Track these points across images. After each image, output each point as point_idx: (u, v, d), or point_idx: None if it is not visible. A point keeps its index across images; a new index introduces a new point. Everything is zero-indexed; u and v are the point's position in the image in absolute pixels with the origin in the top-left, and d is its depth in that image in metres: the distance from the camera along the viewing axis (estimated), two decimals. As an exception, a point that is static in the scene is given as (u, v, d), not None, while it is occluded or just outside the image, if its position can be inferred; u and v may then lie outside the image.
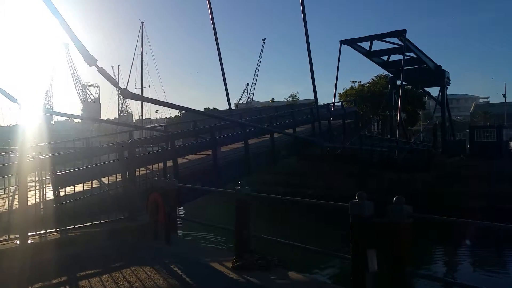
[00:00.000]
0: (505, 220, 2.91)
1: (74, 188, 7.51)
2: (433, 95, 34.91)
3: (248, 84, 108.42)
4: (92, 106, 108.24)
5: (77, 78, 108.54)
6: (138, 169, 9.08)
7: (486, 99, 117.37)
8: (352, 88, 43.30)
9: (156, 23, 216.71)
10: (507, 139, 31.19)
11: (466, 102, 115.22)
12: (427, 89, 36.67)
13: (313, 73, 15.46)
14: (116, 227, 7.12)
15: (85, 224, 6.76)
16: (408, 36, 26.30)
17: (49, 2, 5.86)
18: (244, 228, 5.74)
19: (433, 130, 38.68)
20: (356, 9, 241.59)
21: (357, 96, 41.16)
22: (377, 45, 30.47)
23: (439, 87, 32.61)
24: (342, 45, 28.76)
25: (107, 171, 7.88)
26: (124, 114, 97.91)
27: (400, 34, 26.37)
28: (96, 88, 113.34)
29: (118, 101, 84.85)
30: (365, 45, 29.82)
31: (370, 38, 28.88)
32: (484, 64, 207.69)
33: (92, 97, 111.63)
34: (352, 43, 29.22)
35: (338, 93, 45.04)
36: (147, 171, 10.07)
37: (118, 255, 6.33)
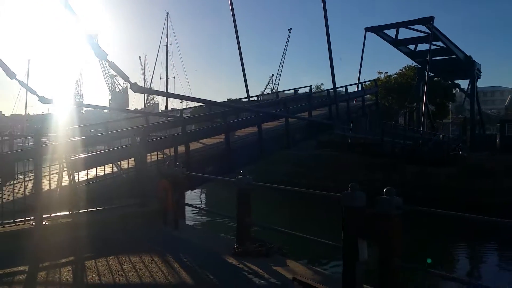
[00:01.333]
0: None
1: (96, 172, 7.85)
2: (464, 87, 33.94)
3: (273, 75, 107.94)
4: (120, 96, 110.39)
5: (106, 69, 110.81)
6: (156, 153, 9.33)
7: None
8: (378, 79, 42.42)
9: (181, 14, 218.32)
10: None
11: (501, 95, 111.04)
12: (458, 81, 35.72)
13: (330, 52, 15.07)
14: (127, 212, 7.38)
15: (97, 208, 7.04)
16: (439, 25, 25.70)
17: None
18: (245, 216, 5.86)
19: (462, 124, 37.67)
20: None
21: (382, 88, 40.40)
22: (404, 34, 29.78)
23: (469, 79, 31.66)
24: (367, 32, 28.24)
25: (120, 155, 8.14)
26: (151, 104, 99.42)
27: (428, 21, 25.59)
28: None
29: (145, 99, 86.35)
30: (391, 33, 29.15)
31: (396, 26, 28.23)
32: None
33: (120, 87, 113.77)
34: (378, 30, 28.64)
35: (364, 84, 44.35)
36: (164, 156, 10.34)
37: (126, 238, 6.60)
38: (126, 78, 7.11)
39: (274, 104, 17.09)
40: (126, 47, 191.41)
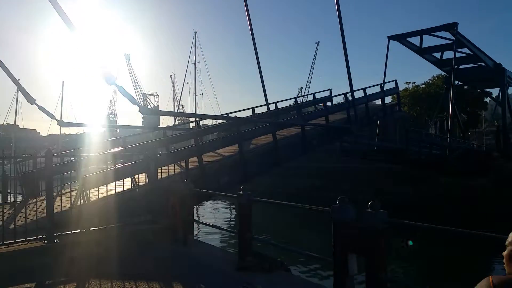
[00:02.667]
0: None
1: (115, 188, 8.09)
2: (495, 95, 32.89)
3: (301, 88, 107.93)
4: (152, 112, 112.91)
5: (138, 87, 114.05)
6: (173, 166, 9.50)
7: None
8: (406, 89, 41.75)
9: (209, 32, 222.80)
10: None
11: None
12: (489, 89, 34.59)
13: (346, 52, 14.79)
14: (138, 229, 7.55)
15: (108, 226, 7.24)
16: (467, 34, 24.93)
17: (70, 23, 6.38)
18: (246, 231, 5.91)
19: (496, 133, 36.38)
20: (412, 7, 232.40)
21: (411, 98, 39.71)
22: (430, 42, 29.16)
23: (500, 87, 30.61)
24: (390, 41, 27.66)
25: (133, 171, 8.34)
26: (182, 121, 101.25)
27: (451, 27, 24.90)
28: (155, 96, 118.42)
29: (173, 108, 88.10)
30: (416, 42, 28.56)
31: (419, 33, 27.62)
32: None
33: (152, 105, 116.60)
34: (401, 38, 28.02)
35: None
36: (181, 169, 10.48)
37: (135, 256, 6.76)
38: (134, 102, 7.35)
39: (290, 110, 16.86)
40: (157, 66, 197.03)
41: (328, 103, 18.01)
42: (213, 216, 24.30)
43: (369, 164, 26.81)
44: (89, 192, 7.80)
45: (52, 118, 8.62)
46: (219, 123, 15.64)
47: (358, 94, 18.55)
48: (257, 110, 18.17)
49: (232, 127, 13.33)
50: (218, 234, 14.47)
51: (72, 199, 7.68)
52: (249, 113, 16.77)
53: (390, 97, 23.83)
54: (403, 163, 23.04)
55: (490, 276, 1.80)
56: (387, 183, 25.88)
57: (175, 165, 9.84)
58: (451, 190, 23.29)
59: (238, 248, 6.01)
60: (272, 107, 17.55)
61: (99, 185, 7.90)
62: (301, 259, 8.60)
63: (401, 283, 4.54)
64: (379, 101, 21.98)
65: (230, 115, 16.22)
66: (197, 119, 18.85)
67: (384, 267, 3.86)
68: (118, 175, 8.12)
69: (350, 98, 16.80)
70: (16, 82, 8.47)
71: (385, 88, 21.00)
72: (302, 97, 21.20)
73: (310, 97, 22.69)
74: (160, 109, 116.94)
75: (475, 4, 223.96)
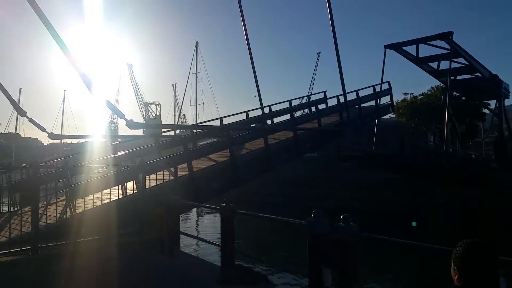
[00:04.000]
0: None
1: (102, 198, 8.07)
2: (492, 107, 32.92)
3: (303, 98, 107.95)
4: (153, 123, 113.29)
5: (140, 97, 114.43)
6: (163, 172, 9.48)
7: None
8: (404, 100, 41.80)
9: (210, 42, 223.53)
10: None
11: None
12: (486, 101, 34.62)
13: (338, 52, 14.78)
14: (125, 241, 7.55)
15: (94, 238, 7.25)
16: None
17: (63, 44, 6.45)
18: (228, 244, 5.91)
19: (494, 144, 36.37)
20: (412, 17, 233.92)
21: (409, 109, 39.72)
22: (427, 51, 29.14)
23: (496, 98, 30.69)
24: (387, 50, 27.65)
25: (120, 179, 8.33)
26: (183, 130, 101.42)
27: (447, 36, 24.85)
28: (157, 106, 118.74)
29: (174, 117, 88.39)
30: (412, 50, 28.50)
31: (416, 42, 27.56)
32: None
33: (154, 115, 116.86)
34: (397, 47, 27.96)
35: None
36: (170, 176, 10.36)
37: (120, 268, 6.74)
38: (121, 116, 7.40)
39: (284, 113, 16.77)
40: (159, 75, 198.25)
41: (323, 105, 17.90)
42: (202, 223, 24.36)
43: (366, 174, 26.85)
44: (75, 202, 7.80)
45: (43, 131, 8.68)
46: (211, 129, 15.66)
47: (352, 97, 18.53)
48: (253, 114, 18.00)
49: (221, 133, 13.28)
50: (206, 244, 14.39)
51: (59, 210, 7.69)
52: (243, 116, 16.62)
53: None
54: (399, 170, 22.95)
55: None
56: (385, 192, 25.90)
57: (167, 172, 9.85)
58: (449, 200, 23.28)
59: (221, 261, 6.02)
60: (267, 110, 17.43)
61: (87, 194, 7.91)
62: (284, 271, 8.60)
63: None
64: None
65: (224, 119, 16.10)
66: (186, 127, 18.75)
67: (356, 279, 3.87)
68: (106, 184, 8.12)
69: (342, 100, 16.79)
70: (7, 94, 8.54)
71: (378, 90, 20.90)
72: (302, 98, 20.66)
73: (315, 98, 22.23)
74: (161, 118, 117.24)
75: (473, 16, 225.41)
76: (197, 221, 26.07)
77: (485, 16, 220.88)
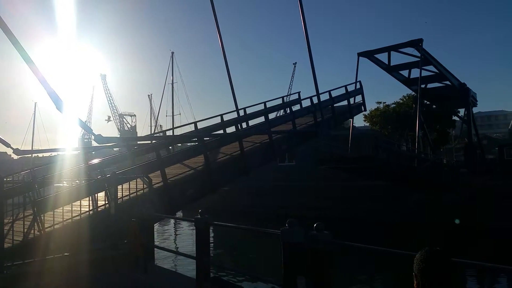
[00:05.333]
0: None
1: (72, 211, 7.77)
2: (461, 114, 33.87)
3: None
4: (129, 135, 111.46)
5: (115, 108, 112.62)
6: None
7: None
8: (377, 109, 42.66)
9: (186, 51, 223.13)
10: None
11: (505, 119, 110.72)
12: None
13: (311, 53, 14.89)
14: (97, 256, 7.33)
15: (64, 254, 7.01)
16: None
17: (22, 49, 6.24)
18: (204, 256, 5.81)
19: (464, 150, 37.42)
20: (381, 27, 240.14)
21: (381, 118, 40.51)
22: (399, 60, 29.53)
23: (465, 107, 31.58)
24: (360, 58, 27.53)
25: (90, 191, 8.08)
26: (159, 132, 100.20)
27: (417, 44, 25.27)
28: (132, 117, 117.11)
29: (150, 128, 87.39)
30: (385, 59, 28.88)
31: (387, 49, 27.78)
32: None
33: (129, 126, 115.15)
34: (369, 55, 28.16)
35: (364, 114, 44.50)
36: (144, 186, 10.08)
37: (92, 285, 6.52)
38: (89, 131, 7.24)
39: (259, 116, 16.66)
40: (134, 86, 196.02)
41: (298, 106, 18.00)
42: (180, 235, 24.01)
43: (343, 182, 27.19)
44: (43, 217, 7.53)
45: (7, 147, 8.36)
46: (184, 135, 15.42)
47: (325, 97, 18.74)
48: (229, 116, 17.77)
49: (193, 139, 13.03)
50: (180, 256, 14.17)
51: (27, 225, 7.41)
52: (218, 120, 16.45)
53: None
54: (373, 171, 23.32)
55: None
56: (362, 200, 26.29)
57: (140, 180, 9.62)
58: (423, 206, 23.79)
59: (196, 274, 5.90)
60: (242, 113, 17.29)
61: (56, 207, 7.64)
62: (260, 281, 8.52)
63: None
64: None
65: (199, 123, 15.80)
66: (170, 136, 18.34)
67: (329, 286, 3.85)
68: (76, 196, 7.87)
69: (316, 101, 16.87)
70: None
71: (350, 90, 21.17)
72: (284, 98, 20.28)
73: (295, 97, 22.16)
74: (137, 129, 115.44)
75: (443, 24, 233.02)
76: (174, 231, 25.72)
77: (453, 24, 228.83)
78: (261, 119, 15.95)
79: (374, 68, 29.06)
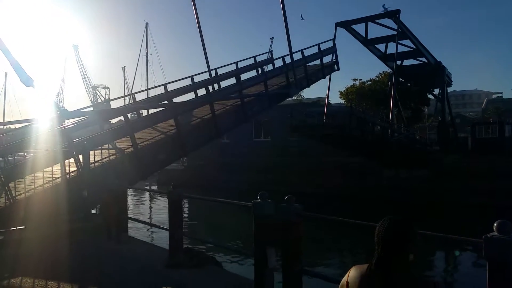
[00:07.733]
0: (506, 217, 2.79)
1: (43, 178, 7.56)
2: (436, 93, 34.44)
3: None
4: (102, 107, 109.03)
5: (88, 80, 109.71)
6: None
7: (499, 94, 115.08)
8: (353, 86, 42.99)
9: (161, 23, 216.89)
10: (510, 135, 30.50)
11: (479, 98, 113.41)
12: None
13: (285, 16, 14.86)
14: (70, 228, 7.29)
15: (36, 224, 6.96)
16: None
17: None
18: (177, 228, 5.89)
19: (437, 128, 38.32)
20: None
21: (357, 94, 40.89)
22: (377, 33, 29.13)
23: (440, 86, 32.09)
24: (338, 29, 26.37)
25: (58, 158, 7.92)
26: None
27: (394, 15, 24.95)
28: (106, 89, 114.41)
29: (124, 101, 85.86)
30: (362, 31, 28.33)
31: (365, 20, 27.16)
32: (502, 59, 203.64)
33: (103, 98, 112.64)
34: (347, 25, 27.57)
35: (339, 91, 44.80)
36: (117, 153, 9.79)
37: (64, 255, 6.53)
38: (56, 106, 7.08)
39: (230, 77, 16.38)
40: (108, 58, 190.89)
41: (270, 66, 17.67)
42: (156, 206, 24.00)
43: (317, 158, 27.56)
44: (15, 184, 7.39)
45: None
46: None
47: (298, 57, 18.20)
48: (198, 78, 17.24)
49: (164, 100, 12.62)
50: (154, 228, 14.25)
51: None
52: (188, 81, 16.01)
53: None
54: (347, 143, 23.57)
55: (352, 267, 1.90)
56: (336, 175, 26.72)
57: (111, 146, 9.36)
58: (396, 181, 24.42)
59: (169, 245, 5.99)
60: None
61: (25, 175, 7.51)
62: (233, 252, 8.71)
63: (319, 274, 4.68)
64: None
65: (169, 85, 15.24)
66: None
67: (298, 258, 3.98)
68: (44, 163, 7.72)
69: (289, 60, 16.65)
70: None
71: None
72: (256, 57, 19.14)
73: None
74: (111, 102, 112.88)
75: (420, 2, 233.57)
76: (149, 204, 25.72)
77: (430, 4, 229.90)
78: (233, 80, 15.57)
79: (352, 43, 28.84)
